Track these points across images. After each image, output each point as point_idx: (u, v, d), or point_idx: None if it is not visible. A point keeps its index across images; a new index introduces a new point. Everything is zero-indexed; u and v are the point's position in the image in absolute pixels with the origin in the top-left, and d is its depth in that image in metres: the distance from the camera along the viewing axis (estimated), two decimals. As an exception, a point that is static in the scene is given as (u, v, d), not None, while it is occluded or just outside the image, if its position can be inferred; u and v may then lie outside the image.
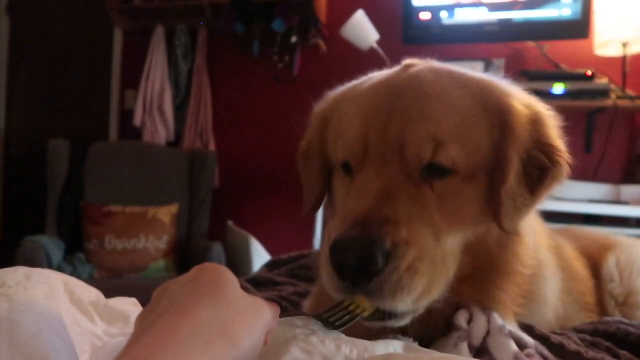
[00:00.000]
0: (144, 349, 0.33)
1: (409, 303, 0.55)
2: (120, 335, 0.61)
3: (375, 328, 0.60)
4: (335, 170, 0.72)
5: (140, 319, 0.40)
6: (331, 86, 0.81)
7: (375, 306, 0.55)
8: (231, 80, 3.37)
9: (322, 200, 0.76)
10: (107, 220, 2.73)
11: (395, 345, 0.47)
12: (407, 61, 0.72)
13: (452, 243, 0.61)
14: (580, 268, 0.95)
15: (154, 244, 2.74)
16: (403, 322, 0.59)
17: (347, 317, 0.54)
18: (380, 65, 0.84)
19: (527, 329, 0.66)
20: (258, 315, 0.40)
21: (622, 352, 0.66)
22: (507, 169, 0.61)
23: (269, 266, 1.34)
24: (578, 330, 0.74)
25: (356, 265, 0.53)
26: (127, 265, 2.67)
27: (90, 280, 2.56)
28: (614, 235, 1.13)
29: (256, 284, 1.16)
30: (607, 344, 0.68)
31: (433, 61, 0.72)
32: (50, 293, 0.59)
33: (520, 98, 0.67)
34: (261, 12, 3.10)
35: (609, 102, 2.43)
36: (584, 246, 1.03)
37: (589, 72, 2.43)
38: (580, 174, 2.78)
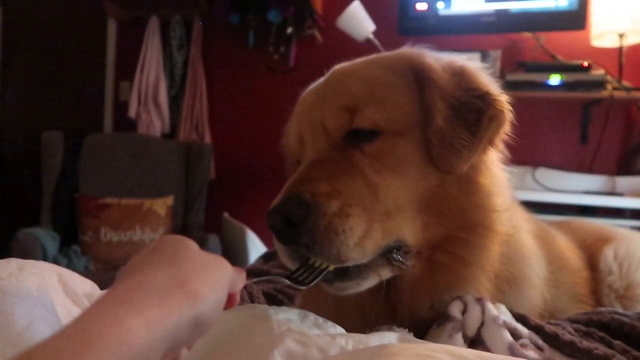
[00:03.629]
0: (98, 308, 0.34)
1: (352, 247, 0.57)
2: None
3: (344, 294, 0.63)
4: None
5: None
6: None
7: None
8: (226, 72, 3.35)
9: None
10: (103, 213, 2.72)
11: (389, 337, 0.47)
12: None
13: (397, 198, 0.63)
14: (574, 259, 0.95)
15: (150, 236, 2.73)
16: (367, 281, 0.62)
17: (314, 273, 0.56)
18: (376, 56, 0.85)
19: (521, 319, 0.66)
20: (217, 270, 0.41)
21: (616, 342, 0.66)
22: (432, 112, 0.65)
23: (264, 258, 1.34)
24: (572, 320, 0.75)
25: (281, 222, 0.57)
26: (123, 258, 2.67)
27: (86, 273, 2.56)
28: (611, 228, 1.14)
29: (252, 275, 1.15)
30: (601, 334, 0.68)
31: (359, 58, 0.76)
32: (44, 285, 0.59)
33: (436, 56, 0.71)
34: (256, 2, 3.08)
35: (605, 94, 2.43)
36: (581, 238, 1.04)
37: (586, 63, 2.43)
38: (575, 165, 2.79)
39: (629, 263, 0.96)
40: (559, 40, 2.71)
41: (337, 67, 0.74)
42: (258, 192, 3.26)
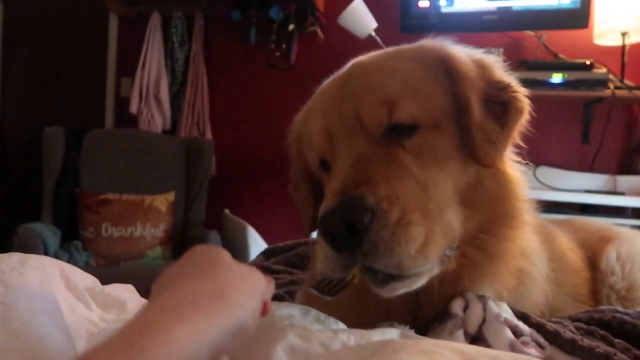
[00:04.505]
0: (145, 319, 0.34)
1: (413, 255, 0.54)
2: (116, 322, 0.61)
3: (396, 294, 0.58)
4: (322, 179, 0.73)
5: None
6: (328, 74, 0.81)
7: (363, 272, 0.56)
8: (228, 68, 3.34)
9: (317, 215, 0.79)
10: (104, 208, 2.72)
11: (392, 333, 0.47)
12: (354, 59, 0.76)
13: (444, 193, 0.62)
14: (575, 259, 0.95)
15: (151, 232, 2.73)
16: (421, 280, 0.58)
17: (339, 285, 0.55)
18: (378, 53, 0.85)
19: (523, 317, 0.66)
20: (252, 279, 0.43)
21: (617, 341, 0.66)
22: (469, 105, 0.64)
23: (265, 254, 1.34)
24: (573, 319, 0.74)
25: (344, 228, 0.53)
26: (124, 253, 2.67)
27: (87, 268, 2.55)
28: (614, 227, 1.12)
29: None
30: (602, 332, 0.68)
31: (376, 51, 0.74)
32: (46, 279, 0.59)
33: (458, 48, 0.71)
34: (258, -1, 3.07)
35: (607, 92, 2.42)
36: (583, 238, 1.03)
37: (588, 62, 2.42)
38: (577, 164, 2.78)
39: (631, 264, 0.95)
40: (562, 39, 2.71)
41: (357, 60, 0.72)
42: (259, 189, 3.26)
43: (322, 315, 0.54)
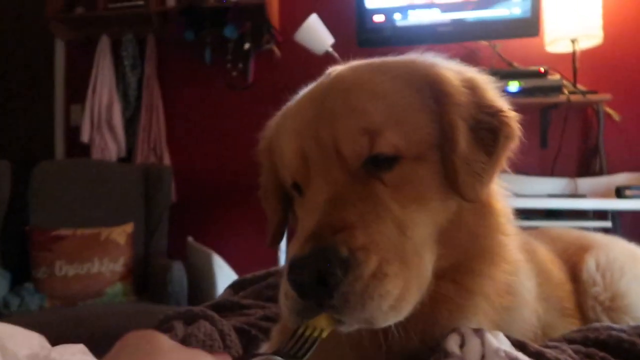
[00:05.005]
0: None
1: (386, 311, 0.51)
2: (64, 394, 0.52)
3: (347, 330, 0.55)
4: (290, 194, 0.69)
5: None
6: (287, 92, 0.78)
7: (333, 323, 0.51)
8: (184, 90, 3.25)
9: (284, 230, 0.74)
10: (57, 245, 2.56)
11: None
12: (330, 69, 0.70)
13: (423, 233, 0.58)
14: (557, 272, 0.92)
15: (110, 267, 2.58)
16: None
17: (307, 344, 0.50)
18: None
19: (520, 346, 0.61)
20: None
21: (618, 362, 0.62)
22: (455, 134, 0.59)
23: (233, 287, 1.26)
24: (569, 340, 0.70)
25: (314, 281, 0.49)
26: (81, 292, 2.50)
27: (41, 312, 2.39)
28: (589, 235, 1.10)
29: (221, 309, 1.07)
30: (602, 354, 0.64)
31: (354, 61, 0.69)
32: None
33: (449, 67, 0.65)
34: (212, 18, 3.01)
35: (562, 98, 2.48)
36: (561, 249, 1.00)
37: (542, 69, 2.47)
38: (538, 169, 2.83)
39: (611, 272, 0.93)
40: (515, 48, 2.76)
41: (337, 72, 0.66)
42: (223, 214, 3.16)
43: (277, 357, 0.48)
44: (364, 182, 0.57)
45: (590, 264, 0.94)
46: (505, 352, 0.55)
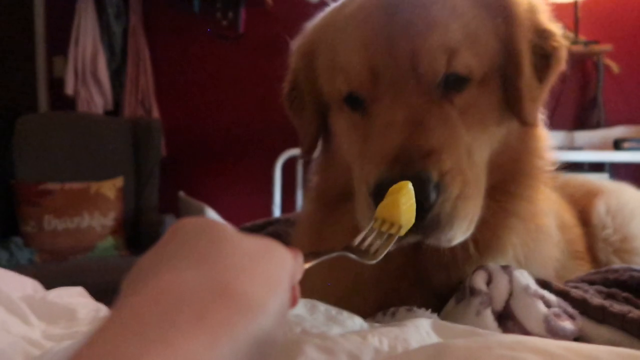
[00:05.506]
0: (100, 347, 0.20)
1: (465, 229, 0.53)
2: (66, 337, 0.48)
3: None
4: (333, 108, 0.65)
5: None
6: (280, 43, 0.76)
7: (410, 224, 0.46)
8: (171, 41, 3.11)
9: (317, 142, 0.71)
10: (44, 200, 2.49)
11: (424, 326, 0.38)
12: None
13: (484, 158, 0.59)
14: (567, 216, 0.93)
15: (100, 221, 2.54)
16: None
17: (383, 240, 0.44)
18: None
19: (544, 285, 0.59)
20: (272, 261, 0.27)
21: (642, 302, 0.60)
22: (522, 61, 0.59)
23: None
24: (588, 281, 0.68)
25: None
26: (71, 247, 2.47)
27: (31, 266, 2.35)
28: (597, 181, 1.12)
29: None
30: (624, 294, 0.62)
31: None
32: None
33: None
34: (200, -38, 2.85)
35: (563, 48, 2.41)
36: (569, 194, 1.01)
37: (544, 18, 2.39)
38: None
39: (622, 216, 0.95)
40: (515, -4, 2.67)
41: None
42: (214, 168, 3.10)
43: (333, 310, 0.44)
44: (439, 102, 0.56)
45: (600, 207, 0.96)
46: (534, 289, 0.52)
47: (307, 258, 0.34)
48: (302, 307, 0.42)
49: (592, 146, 2.53)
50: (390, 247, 0.44)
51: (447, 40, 0.55)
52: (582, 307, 0.56)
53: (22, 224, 2.47)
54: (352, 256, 0.42)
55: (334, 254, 0.41)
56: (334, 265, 0.63)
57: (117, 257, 2.50)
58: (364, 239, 0.44)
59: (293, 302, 0.29)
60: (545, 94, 0.63)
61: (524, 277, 0.54)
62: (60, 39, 3.08)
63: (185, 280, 0.23)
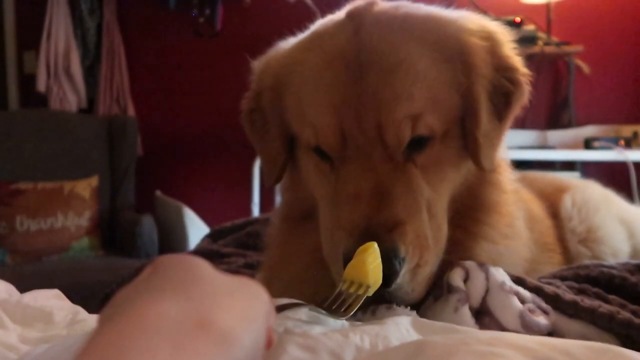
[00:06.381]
0: None
1: (425, 287, 0.56)
2: (43, 340, 0.48)
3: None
4: (301, 147, 0.66)
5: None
6: (258, 41, 0.75)
7: (378, 284, 0.50)
8: (147, 37, 3.07)
9: (286, 168, 0.70)
10: (16, 200, 2.43)
11: (403, 323, 0.39)
12: (349, 9, 0.65)
13: (444, 206, 0.61)
14: (537, 209, 0.97)
15: (75, 221, 2.48)
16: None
17: (350, 300, 0.46)
18: (309, 17, 0.77)
19: (518, 281, 0.60)
20: (251, 298, 0.28)
21: (612, 297, 0.62)
22: (479, 111, 0.60)
23: (212, 237, 1.22)
24: (560, 277, 0.70)
25: None
26: (45, 247, 2.41)
27: (3, 267, 2.29)
28: (564, 178, 1.21)
29: (200, 257, 1.03)
30: (594, 289, 0.64)
31: (375, 4, 0.65)
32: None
33: (474, 28, 0.63)
34: (176, -42, 2.82)
35: (536, 49, 2.46)
36: (539, 189, 1.07)
37: (518, 19, 2.44)
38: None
39: (586, 209, 1.01)
40: (490, -3, 2.71)
41: (367, 28, 0.60)
42: (191, 167, 3.07)
43: (314, 309, 0.45)
44: (403, 168, 0.58)
45: (567, 201, 1.03)
46: (509, 285, 0.54)
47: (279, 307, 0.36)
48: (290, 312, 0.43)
49: (563, 145, 2.59)
50: (358, 305, 0.47)
51: (411, 109, 0.57)
52: (555, 303, 0.58)
53: (-8, 225, 2.41)
54: (323, 313, 0.45)
55: (302, 307, 0.44)
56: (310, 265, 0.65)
57: (93, 258, 2.46)
58: (334, 300, 0.47)
59: (269, 344, 0.29)
60: (504, 133, 0.63)
61: (500, 274, 0.55)
62: (31, 33, 3.00)
63: (163, 311, 0.24)
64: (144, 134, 2.98)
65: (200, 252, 1.08)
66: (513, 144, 2.56)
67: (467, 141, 0.61)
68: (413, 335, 0.37)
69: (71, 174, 2.58)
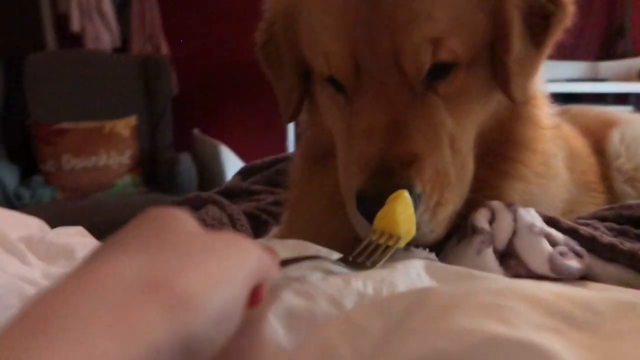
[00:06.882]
0: (7, 339, 0.19)
1: (445, 226, 0.52)
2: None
3: None
4: (316, 79, 0.62)
5: None
6: None
7: (411, 235, 0.47)
8: (177, -29, 2.99)
9: (302, 108, 0.67)
10: (61, 139, 2.52)
11: (416, 267, 0.37)
12: None
13: (469, 141, 0.56)
14: (580, 146, 0.91)
15: (117, 159, 2.56)
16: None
17: (378, 252, 0.43)
18: None
19: (552, 222, 0.57)
20: (229, 260, 0.25)
21: (655, 239, 0.58)
22: (510, 34, 0.54)
23: (242, 174, 1.22)
24: (600, 218, 0.66)
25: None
26: (91, 185, 2.51)
27: (53, 204, 2.41)
28: (612, 112, 1.10)
29: (229, 195, 1.03)
30: (637, 231, 0.60)
31: None
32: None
33: None
34: None
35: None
36: (584, 124, 0.99)
37: None
38: (557, 52, 2.66)
39: (636, 145, 0.93)
40: None
41: None
42: (228, 104, 3.07)
43: (323, 251, 0.43)
44: (423, 98, 0.53)
45: (615, 137, 0.95)
46: (539, 227, 0.50)
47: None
48: (290, 252, 0.41)
49: (616, 77, 2.41)
50: (386, 258, 0.43)
51: (431, 31, 0.51)
52: (591, 245, 0.54)
53: (41, 164, 2.52)
54: (342, 266, 0.40)
55: (316, 260, 0.39)
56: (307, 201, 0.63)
57: (136, 194, 2.55)
58: (361, 251, 0.43)
59: (253, 302, 0.27)
60: (541, 61, 0.57)
61: (530, 215, 0.52)
62: (63, -27, 2.98)
63: (117, 271, 0.22)
64: (179, 72, 2.97)
65: (230, 189, 1.09)
66: (561, 76, 2.40)
67: (497, 69, 0.55)
68: (424, 281, 0.35)
69: (110, 114, 2.63)
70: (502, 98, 0.57)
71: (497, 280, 0.35)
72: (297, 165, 0.74)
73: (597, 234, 0.55)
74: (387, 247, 0.43)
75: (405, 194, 0.45)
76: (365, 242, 0.44)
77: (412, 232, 0.45)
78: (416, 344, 0.22)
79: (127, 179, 2.59)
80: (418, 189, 0.49)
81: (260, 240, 0.58)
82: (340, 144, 0.58)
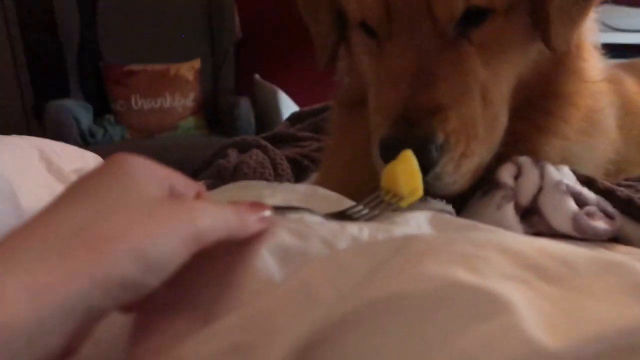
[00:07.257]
0: None
1: (470, 179, 0.51)
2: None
3: None
4: (350, 24, 0.61)
5: None
6: None
7: (418, 192, 0.46)
8: None
9: (337, 54, 0.67)
10: (130, 80, 2.64)
11: (419, 220, 0.37)
12: None
13: (503, 93, 0.54)
14: None
15: (181, 102, 2.67)
16: None
17: (379, 208, 0.42)
18: None
19: (588, 182, 0.54)
20: (169, 219, 0.27)
21: None
22: None
23: (290, 120, 1.24)
24: (647, 180, 0.62)
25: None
26: (157, 125, 2.65)
27: (123, 142, 2.57)
28: None
29: (277, 140, 1.06)
30: (685, 195, 0.56)
31: None
32: (21, 161, 0.51)
33: None
34: None
35: None
36: None
37: None
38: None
39: None
40: None
41: None
42: (289, 51, 3.06)
43: (334, 196, 0.44)
44: (453, 45, 0.51)
45: None
46: (567, 185, 0.49)
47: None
48: (301, 192, 0.43)
49: None
50: (382, 214, 0.42)
51: None
52: (626, 207, 0.52)
53: (112, 103, 2.67)
54: (337, 218, 0.39)
55: (301, 211, 0.38)
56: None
57: (198, 136, 2.66)
58: (365, 205, 0.43)
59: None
60: (589, 7, 0.53)
61: (559, 173, 0.50)
62: None
63: (58, 222, 0.25)
64: (243, 16, 2.98)
65: (277, 134, 1.11)
66: (630, 26, 2.17)
67: (538, 16, 0.52)
68: (424, 231, 0.36)
69: (176, 57, 2.71)
70: (544, 48, 0.54)
71: (482, 232, 0.34)
72: (335, 112, 0.75)
73: (634, 195, 0.53)
74: (388, 205, 0.43)
75: (409, 152, 0.44)
76: (368, 198, 0.44)
77: (418, 192, 0.44)
78: (384, 286, 0.23)
79: (190, 121, 2.69)
80: (440, 138, 0.48)
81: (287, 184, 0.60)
82: (371, 91, 0.58)
